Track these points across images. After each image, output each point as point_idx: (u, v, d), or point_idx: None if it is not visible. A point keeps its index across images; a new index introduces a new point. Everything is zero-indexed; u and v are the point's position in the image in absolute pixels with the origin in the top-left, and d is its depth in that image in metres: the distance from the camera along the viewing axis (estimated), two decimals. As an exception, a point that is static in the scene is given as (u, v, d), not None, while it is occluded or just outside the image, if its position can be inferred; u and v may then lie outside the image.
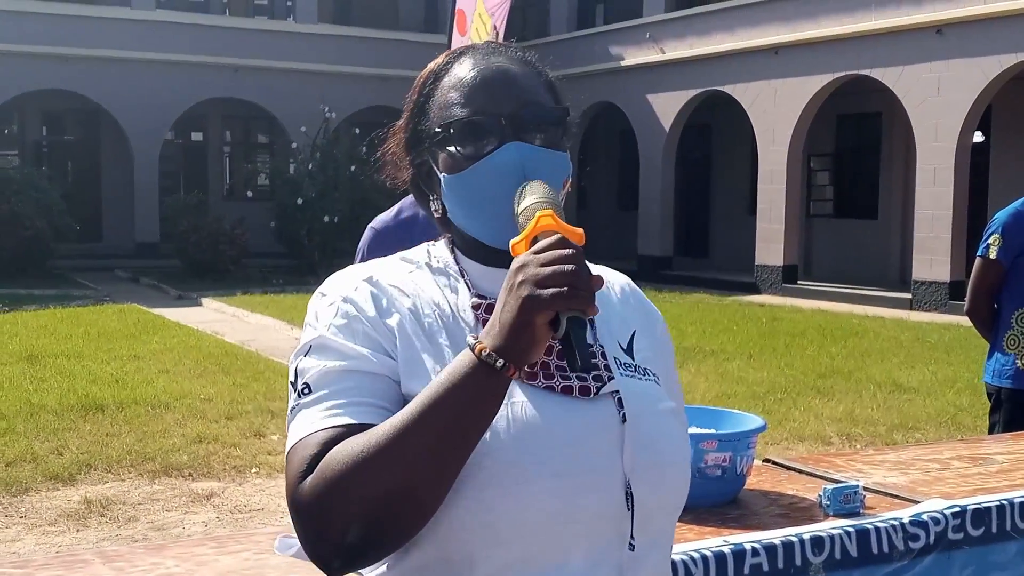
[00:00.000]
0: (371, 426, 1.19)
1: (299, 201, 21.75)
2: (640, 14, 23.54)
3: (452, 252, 1.39)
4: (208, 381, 9.68)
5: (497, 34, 7.07)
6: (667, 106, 22.53)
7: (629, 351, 1.38)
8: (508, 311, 1.13)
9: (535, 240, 1.17)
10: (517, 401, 1.24)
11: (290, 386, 1.29)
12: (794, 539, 2.27)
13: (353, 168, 21.75)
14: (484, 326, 1.28)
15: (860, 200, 21.24)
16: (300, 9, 27.23)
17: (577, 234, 1.18)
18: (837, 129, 21.51)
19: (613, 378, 1.30)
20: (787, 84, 19.70)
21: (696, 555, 2.14)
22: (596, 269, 1.28)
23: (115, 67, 23.91)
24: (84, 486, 6.39)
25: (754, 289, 20.22)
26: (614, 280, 1.47)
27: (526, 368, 1.22)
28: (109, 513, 5.88)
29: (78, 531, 5.60)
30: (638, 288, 1.50)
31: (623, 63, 23.59)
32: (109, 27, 24.14)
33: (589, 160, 26.88)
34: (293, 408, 1.25)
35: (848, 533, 2.33)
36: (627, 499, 1.26)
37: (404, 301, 1.31)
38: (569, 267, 1.12)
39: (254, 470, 6.81)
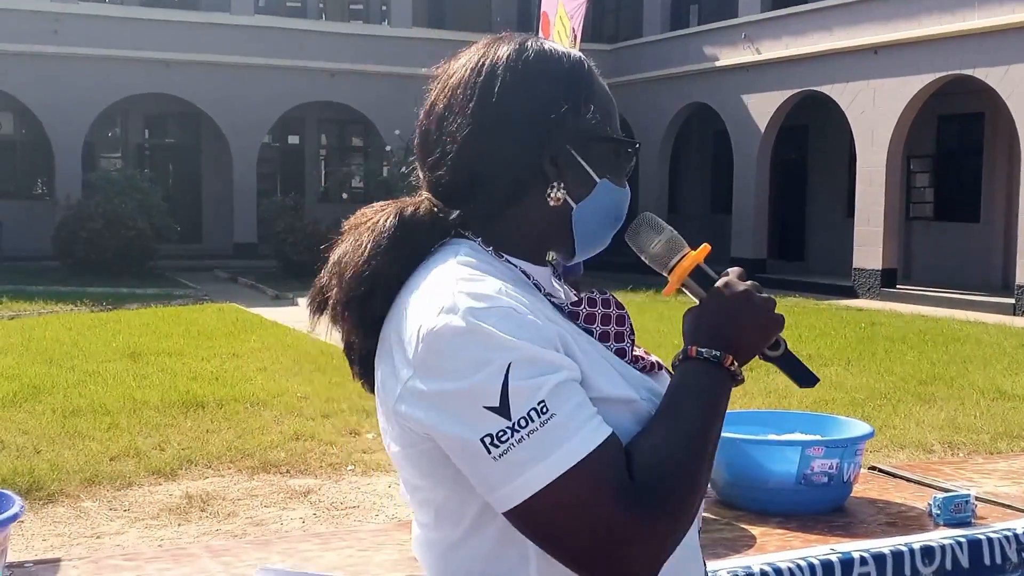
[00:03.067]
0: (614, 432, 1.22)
1: (393, 203, 21.99)
2: (735, 14, 23.30)
3: (497, 255, 1.34)
4: (304, 379, 9.82)
5: (576, 37, 7.04)
6: (762, 107, 22.27)
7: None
8: (750, 334, 1.33)
9: (698, 267, 1.36)
10: (651, 385, 1.34)
11: (489, 413, 1.18)
12: (903, 548, 2.22)
13: (445, 170, 21.92)
14: (584, 322, 1.34)
15: (962, 203, 20.69)
16: (395, 13, 27.50)
17: None
18: (938, 130, 21.00)
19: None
20: (886, 84, 19.31)
21: (803, 563, 2.11)
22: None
23: (215, 71, 24.41)
24: (185, 481, 6.53)
25: (851, 293, 19.86)
26: None
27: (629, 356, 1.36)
28: (209, 508, 6.00)
29: (179, 525, 5.72)
30: None
31: (717, 63, 23.37)
32: (209, 32, 24.67)
33: (682, 161, 26.67)
34: (533, 431, 1.17)
35: (959, 543, 2.28)
36: None
37: (537, 306, 1.27)
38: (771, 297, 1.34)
39: (350, 468, 6.88)
